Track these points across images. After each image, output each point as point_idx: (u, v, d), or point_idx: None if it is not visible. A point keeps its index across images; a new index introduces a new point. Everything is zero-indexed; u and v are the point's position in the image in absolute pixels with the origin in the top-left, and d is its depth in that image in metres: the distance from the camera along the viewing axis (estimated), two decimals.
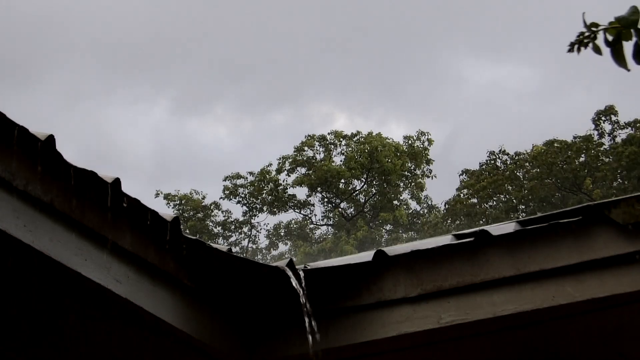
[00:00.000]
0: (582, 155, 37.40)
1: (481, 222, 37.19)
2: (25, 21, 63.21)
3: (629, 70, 2.05)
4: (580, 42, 2.08)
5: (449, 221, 39.87)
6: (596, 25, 2.06)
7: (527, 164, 38.51)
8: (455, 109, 62.43)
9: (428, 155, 43.53)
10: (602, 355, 3.81)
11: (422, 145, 43.53)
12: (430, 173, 43.86)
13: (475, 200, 39.58)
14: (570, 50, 2.08)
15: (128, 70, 65.07)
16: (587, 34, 2.06)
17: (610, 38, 2.05)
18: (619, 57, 2.04)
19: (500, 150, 40.00)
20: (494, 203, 39.64)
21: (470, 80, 64.35)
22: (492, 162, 40.08)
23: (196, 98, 64.21)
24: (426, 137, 43.56)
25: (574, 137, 37.78)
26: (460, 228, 37.34)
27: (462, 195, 39.91)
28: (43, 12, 67.09)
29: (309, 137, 43.88)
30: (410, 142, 43.42)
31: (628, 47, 2.05)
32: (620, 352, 3.80)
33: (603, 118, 37.74)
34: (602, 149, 37.42)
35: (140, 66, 64.62)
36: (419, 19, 63.07)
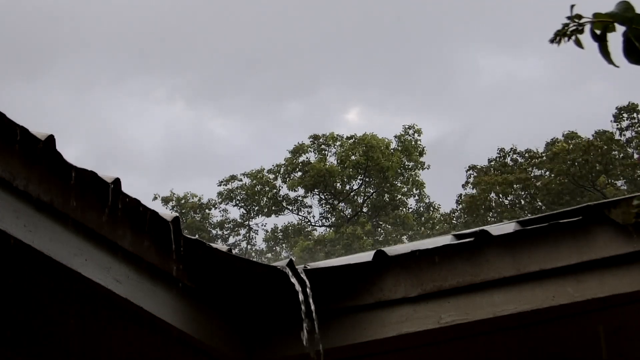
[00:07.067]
0: (601, 156, 35.97)
1: (490, 219, 36.68)
2: (36, 12, 62.85)
3: (617, 66, 1.96)
4: (564, 34, 1.95)
5: (457, 218, 39.39)
6: (580, 17, 1.94)
7: (542, 161, 37.40)
8: (471, 101, 61.32)
9: (420, 146, 42.80)
10: (602, 356, 3.81)
11: (412, 138, 42.85)
12: (424, 165, 43.25)
13: (484, 196, 39.10)
14: (552, 41, 1.96)
15: (139, 62, 64.33)
16: (571, 25, 1.95)
17: (597, 32, 1.93)
18: (605, 52, 1.94)
19: (511, 149, 39.31)
20: (504, 199, 39.14)
21: (486, 72, 63.17)
22: (501, 159, 39.50)
23: (209, 90, 63.50)
24: (414, 129, 42.81)
25: (596, 132, 35.97)
26: (466, 224, 37.06)
27: (469, 191, 39.42)
28: (54, 2, 66.80)
29: (300, 144, 43.37)
30: (401, 139, 42.79)
31: (616, 41, 1.97)
32: (620, 352, 3.80)
33: (625, 115, 36.28)
34: (622, 150, 36.18)
35: (151, 58, 63.83)
36: (435, 11, 62.35)
